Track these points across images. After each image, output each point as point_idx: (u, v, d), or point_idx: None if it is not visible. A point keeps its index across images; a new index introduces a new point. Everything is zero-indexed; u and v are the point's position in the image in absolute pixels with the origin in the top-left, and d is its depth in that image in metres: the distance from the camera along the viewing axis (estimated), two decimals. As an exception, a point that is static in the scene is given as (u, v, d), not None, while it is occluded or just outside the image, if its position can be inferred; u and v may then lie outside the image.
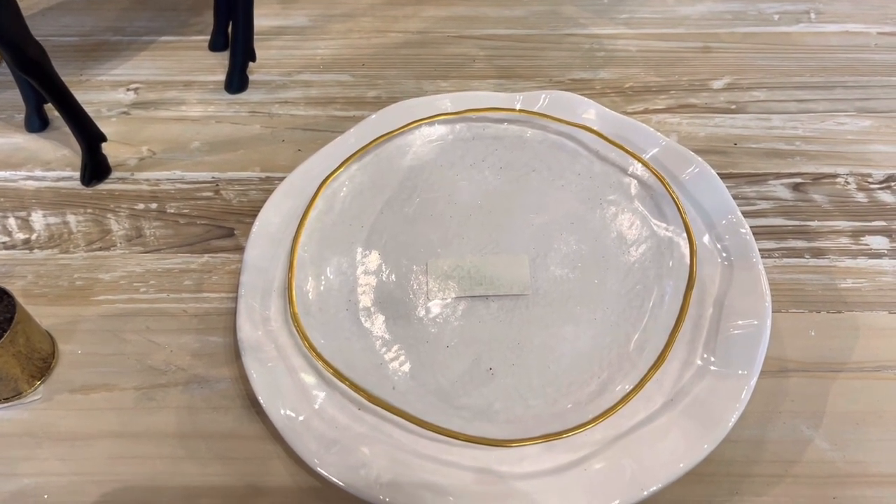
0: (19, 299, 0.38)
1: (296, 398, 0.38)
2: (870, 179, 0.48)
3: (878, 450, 0.37)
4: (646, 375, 0.37)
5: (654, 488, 0.34)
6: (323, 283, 0.43)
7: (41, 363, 0.40)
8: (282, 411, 0.37)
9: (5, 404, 0.40)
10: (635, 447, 0.36)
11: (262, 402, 0.37)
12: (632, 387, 0.37)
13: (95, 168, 0.50)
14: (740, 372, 0.37)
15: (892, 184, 0.48)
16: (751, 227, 0.42)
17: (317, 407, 0.37)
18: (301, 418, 0.36)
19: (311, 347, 0.39)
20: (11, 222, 0.48)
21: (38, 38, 0.44)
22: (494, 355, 0.40)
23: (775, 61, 0.56)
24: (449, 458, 0.36)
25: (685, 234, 0.42)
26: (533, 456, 0.36)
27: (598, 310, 0.41)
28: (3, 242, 0.47)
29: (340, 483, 0.34)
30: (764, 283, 0.40)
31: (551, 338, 0.41)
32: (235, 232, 0.47)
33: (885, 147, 0.50)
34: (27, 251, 0.46)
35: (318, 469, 0.35)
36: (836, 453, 0.37)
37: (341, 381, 0.38)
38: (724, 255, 0.42)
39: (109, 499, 0.37)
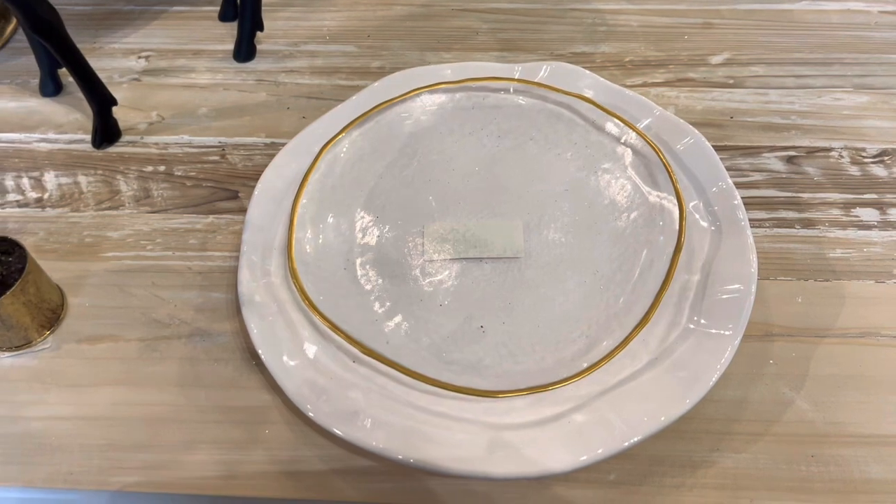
0: (31, 253, 0.40)
1: (293, 349, 0.39)
2: (864, 154, 0.49)
3: (857, 411, 0.38)
4: (631, 333, 0.38)
5: (636, 439, 0.35)
6: (322, 241, 0.44)
7: (50, 314, 0.42)
8: (279, 360, 0.38)
9: (16, 352, 0.41)
10: (619, 401, 0.37)
11: (259, 351, 0.38)
12: (617, 344, 0.38)
13: (106, 131, 0.51)
14: (724, 332, 0.38)
15: (886, 158, 0.48)
16: (743, 197, 0.43)
17: (312, 357, 0.39)
18: (297, 366, 0.38)
19: (309, 302, 0.40)
20: (25, 182, 0.49)
21: (55, 6, 0.45)
22: (486, 314, 0.41)
23: (775, 38, 0.57)
24: (439, 409, 0.37)
25: (676, 201, 0.43)
26: (519, 408, 0.37)
27: (588, 273, 0.42)
28: (17, 200, 0.48)
29: (333, 429, 0.36)
30: (751, 249, 0.40)
31: (541, 299, 0.42)
32: (240, 194, 0.48)
33: (880, 122, 0.50)
34: (39, 209, 0.48)
35: (311, 415, 0.36)
36: (816, 414, 0.38)
37: (337, 333, 0.39)
38: (714, 220, 0.43)
39: (112, 441, 0.38)
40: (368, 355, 0.38)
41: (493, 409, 0.37)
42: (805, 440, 0.37)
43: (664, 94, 0.53)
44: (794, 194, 0.47)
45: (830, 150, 0.49)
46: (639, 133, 0.46)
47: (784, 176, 0.48)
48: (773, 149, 0.49)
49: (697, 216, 0.43)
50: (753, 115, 0.51)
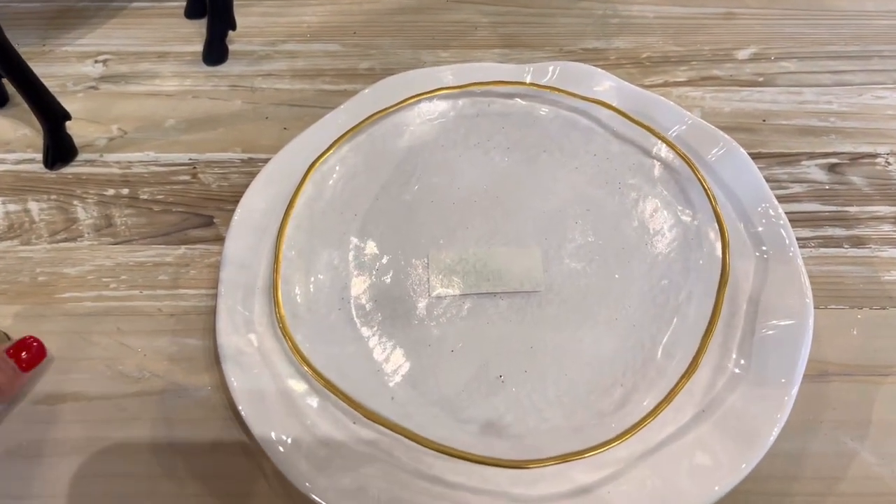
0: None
1: (283, 412, 0.34)
2: (913, 159, 0.44)
3: (930, 463, 0.34)
4: (677, 385, 0.33)
5: (687, 513, 0.30)
6: (312, 280, 0.39)
7: (-3, 371, 0.36)
8: (267, 429, 0.33)
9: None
10: (664, 465, 0.32)
11: (244, 417, 0.33)
12: (661, 398, 0.33)
13: (59, 149, 0.46)
14: (780, 379, 0.33)
15: (937, 164, 0.44)
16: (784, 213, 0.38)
17: (308, 423, 0.33)
18: (289, 439, 0.32)
19: (300, 355, 0.35)
20: (-33, 210, 0.44)
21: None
22: (504, 361, 0.36)
23: (806, 28, 0.52)
24: (455, 480, 0.32)
25: (715, 224, 0.38)
26: (549, 477, 0.32)
27: (619, 308, 0.38)
28: (-42, 233, 0.43)
29: (335, 510, 0.31)
30: (804, 278, 0.36)
31: (567, 341, 0.37)
32: (215, 220, 0.43)
33: (928, 123, 0.46)
34: (-17, 243, 0.42)
35: (312, 495, 0.31)
36: (884, 468, 0.34)
37: (334, 392, 0.34)
38: (759, 246, 0.38)
39: (75, 526, 0.33)
40: (371, 419, 0.33)
41: (520, 479, 0.32)
42: (875, 500, 0.33)
43: (688, 95, 0.48)
44: (840, 208, 0.42)
45: (876, 155, 0.45)
46: (669, 144, 0.41)
47: (827, 187, 0.43)
48: (812, 156, 0.45)
49: (740, 239, 0.38)
50: (788, 118, 0.47)
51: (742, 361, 0.35)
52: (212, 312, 0.38)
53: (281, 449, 0.32)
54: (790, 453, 0.34)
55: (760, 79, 0.49)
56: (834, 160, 0.45)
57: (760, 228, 0.38)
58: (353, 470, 0.32)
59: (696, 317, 0.36)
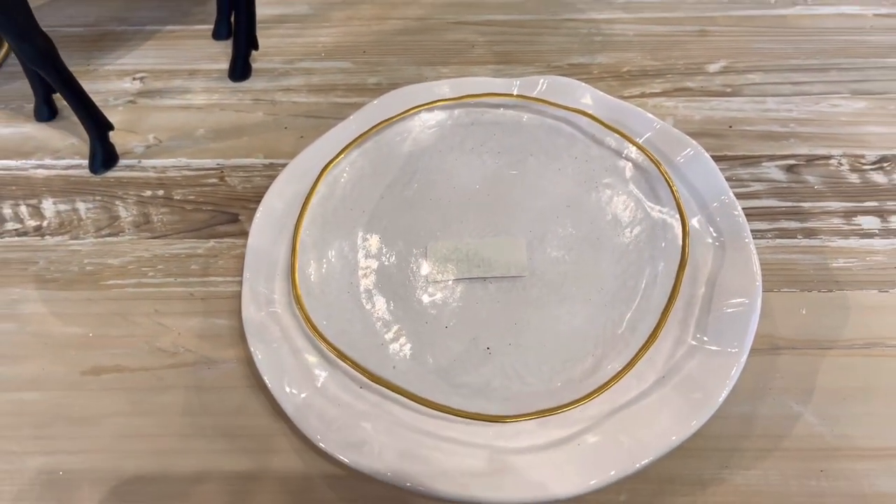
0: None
1: (299, 377, 0.39)
2: (863, 160, 0.49)
3: (866, 424, 0.38)
4: (638, 353, 0.38)
5: (647, 461, 0.35)
6: (325, 266, 0.44)
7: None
8: (286, 390, 0.38)
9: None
10: (628, 422, 0.37)
11: (266, 381, 0.38)
12: (624, 364, 0.38)
13: (104, 156, 0.51)
14: (730, 350, 0.38)
15: (885, 164, 0.49)
16: (744, 208, 0.43)
17: (319, 385, 0.39)
18: (304, 396, 0.38)
19: (314, 328, 0.40)
20: (23, 210, 0.49)
21: (44, 29, 0.45)
22: (492, 335, 0.41)
23: (771, 44, 0.57)
24: (448, 434, 0.37)
25: (678, 216, 0.43)
26: (528, 431, 0.37)
27: (592, 290, 0.42)
28: (16, 229, 0.48)
29: (343, 458, 0.36)
30: (755, 263, 0.40)
31: (547, 318, 0.42)
32: (240, 217, 0.48)
33: (878, 128, 0.50)
34: (39, 237, 0.48)
35: (321, 445, 0.36)
36: (824, 428, 0.38)
37: (343, 360, 0.39)
38: (717, 235, 0.43)
39: (121, 473, 0.38)
40: (376, 382, 0.38)
41: (503, 433, 0.37)
42: (814, 455, 0.37)
43: (662, 105, 0.53)
44: (795, 204, 0.47)
45: (830, 157, 0.49)
46: (639, 147, 0.46)
47: (784, 185, 0.48)
48: (772, 157, 0.49)
49: (700, 230, 0.43)
50: (752, 124, 0.51)
51: (699, 335, 0.39)
52: (237, 296, 0.44)
53: (296, 408, 0.37)
54: (742, 415, 0.39)
55: (728, 89, 0.54)
56: (792, 161, 0.49)
57: (718, 219, 0.43)
58: (358, 426, 0.37)
59: (659, 296, 0.41)
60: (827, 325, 0.42)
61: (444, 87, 0.51)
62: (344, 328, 0.41)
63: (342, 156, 0.48)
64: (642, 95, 0.54)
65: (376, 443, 0.36)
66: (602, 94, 0.50)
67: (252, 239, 0.44)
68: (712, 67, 0.55)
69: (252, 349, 0.39)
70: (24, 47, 0.44)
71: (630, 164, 0.47)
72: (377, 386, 0.38)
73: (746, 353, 0.38)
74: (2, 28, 0.42)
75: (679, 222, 0.43)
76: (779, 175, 0.49)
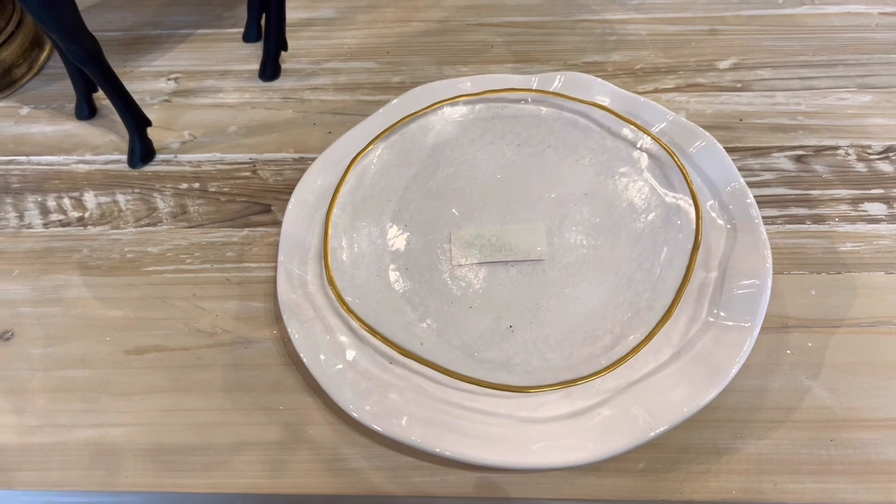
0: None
1: (332, 353, 0.41)
2: (869, 151, 0.51)
3: (872, 397, 0.40)
4: (654, 328, 0.40)
5: (661, 430, 0.37)
6: (355, 249, 0.46)
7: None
8: (321, 363, 0.40)
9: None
10: (644, 394, 0.39)
11: (302, 356, 0.40)
12: (641, 339, 0.40)
13: (142, 151, 0.53)
14: (743, 325, 0.40)
15: (891, 154, 0.50)
16: (755, 196, 0.45)
17: (350, 360, 0.41)
18: (338, 368, 0.40)
19: (346, 307, 0.42)
20: (66, 202, 0.52)
21: (86, 33, 0.48)
22: (514, 314, 0.43)
23: (779, 42, 0.59)
24: (473, 405, 0.39)
25: (692, 201, 0.45)
26: (550, 403, 0.39)
27: (609, 272, 0.44)
28: (60, 220, 0.51)
29: (376, 427, 0.38)
30: (765, 245, 0.42)
31: (566, 299, 0.44)
32: (272, 208, 0.51)
33: (884, 120, 0.52)
34: (81, 227, 0.50)
35: (354, 415, 0.38)
36: (833, 400, 0.40)
37: (374, 336, 0.41)
38: (729, 220, 0.45)
39: (163, 445, 0.40)
40: (405, 356, 0.40)
41: (525, 405, 0.39)
42: (824, 425, 0.39)
43: (675, 100, 0.55)
44: (804, 192, 0.49)
45: (837, 148, 0.51)
46: (653, 137, 0.48)
47: (794, 174, 0.50)
48: (782, 149, 0.51)
49: (713, 215, 0.45)
50: (762, 117, 0.53)
51: (714, 312, 0.41)
52: (271, 281, 0.46)
53: (330, 380, 0.40)
54: (755, 389, 0.40)
55: (739, 85, 0.56)
56: (801, 152, 0.51)
57: (730, 205, 0.45)
58: (388, 397, 0.39)
59: (675, 277, 0.43)
60: (835, 305, 0.43)
61: (466, 84, 0.53)
62: (373, 307, 0.43)
63: (370, 148, 0.50)
64: (655, 91, 0.56)
65: (405, 413, 0.39)
66: (616, 89, 0.52)
67: (286, 225, 0.46)
68: (723, 64, 0.57)
69: (288, 327, 0.42)
70: (73, 48, 0.47)
71: (645, 155, 0.49)
72: (406, 360, 0.40)
73: (759, 327, 0.39)
74: (54, 30, 0.45)
75: (692, 207, 0.45)
76: (788, 165, 0.50)
